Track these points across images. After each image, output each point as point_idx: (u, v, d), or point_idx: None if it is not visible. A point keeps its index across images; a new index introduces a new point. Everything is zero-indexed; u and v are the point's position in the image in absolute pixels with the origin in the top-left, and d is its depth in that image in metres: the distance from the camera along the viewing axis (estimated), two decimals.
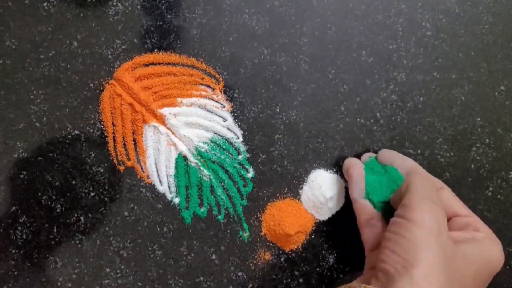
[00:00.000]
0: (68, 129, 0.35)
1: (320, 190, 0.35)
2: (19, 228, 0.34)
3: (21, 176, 0.34)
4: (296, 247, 0.35)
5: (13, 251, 0.34)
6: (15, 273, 0.34)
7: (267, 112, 0.36)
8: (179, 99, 0.35)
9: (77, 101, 0.35)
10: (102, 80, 0.35)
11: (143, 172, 0.35)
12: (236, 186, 0.35)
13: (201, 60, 0.36)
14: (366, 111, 0.36)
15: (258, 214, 0.35)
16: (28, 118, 0.35)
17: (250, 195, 0.35)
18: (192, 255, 0.35)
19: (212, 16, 0.36)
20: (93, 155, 0.35)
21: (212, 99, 0.36)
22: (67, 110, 0.35)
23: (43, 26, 0.35)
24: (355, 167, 0.33)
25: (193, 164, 0.35)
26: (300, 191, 0.36)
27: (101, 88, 0.35)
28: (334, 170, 0.36)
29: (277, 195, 0.36)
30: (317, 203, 0.35)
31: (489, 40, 0.37)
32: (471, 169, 0.36)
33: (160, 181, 0.35)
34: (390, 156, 0.33)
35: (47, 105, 0.35)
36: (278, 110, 0.36)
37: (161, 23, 0.36)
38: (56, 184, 0.34)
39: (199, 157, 0.35)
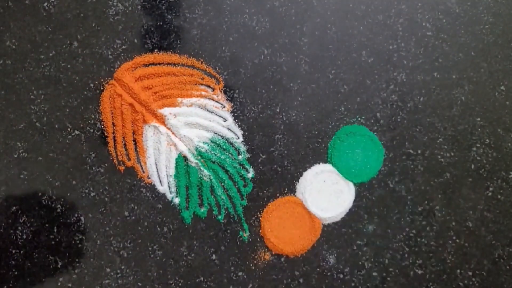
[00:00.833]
0: (68, 129, 0.35)
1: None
2: (19, 228, 0.34)
3: (21, 176, 0.34)
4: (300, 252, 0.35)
5: (13, 251, 0.34)
6: (15, 273, 0.34)
7: (267, 112, 0.36)
8: (179, 99, 0.35)
9: (77, 101, 0.35)
10: (102, 80, 0.35)
11: (143, 172, 0.35)
12: (236, 186, 0.35)
13: (201, 60, 0.36)
14: (366, 111, 0.36)
15: (258, 214, 0.35)
16: (28, 118, 0.35)
17: (250, 195, 0.35)
18: (192, 255, 0.35)
19: (212, 16, 0.36)
20: (93, 155, 0.35)
21: (212, 99, 0.36)
22: (67, 110, 0.35)
23: (43, 26, 0.35)
24: None
25: (193, 164, 0.35)
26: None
27: (102, 88, 0.35)
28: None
29: (277, 195, 0.36)
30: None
31: (489, 40, 0.37)
32: (471, 169, 0.36)
33: (160, 181, 0.35)
34: None
35: (47, 105, 0.35)
36: (278, 110, 0.36)
37: (161, 23, 0.36)
38: (56, 184, 0.34)
39: (199, 157, 0.35)
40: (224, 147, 0.35)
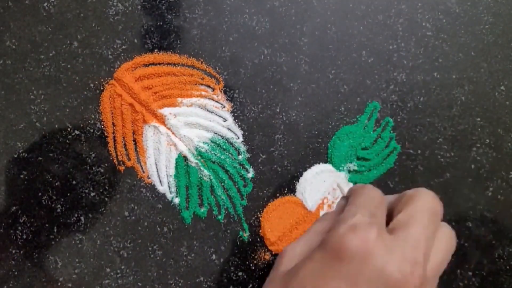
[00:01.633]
0: (68, 129, 0.35)
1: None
2: (19, 228, 0.34)
3: (21, 176, 0.34)
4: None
5: (13, 251, 0.34)
6: (15, 273, 0.34)
7: (267, 112, 0.36)
8: (179, 99, 0.35)
9: (77, 101, 0.35)
10: (102, 80, 0.35)
11: (143, 172, 0.35)
12: (236, 186, 0.35)
13: (201, 60, 0.36)
14: (366, 111, 0.36)
15: (258, 214, 0.35)
16: (28, 118, 0.35)
17: (250, 195, 0.35)
18: (192, 255, 0.35)
19: (212, 16, 0.36)
20: (93, 155, 0.35)
21: (212, 99, 0.36)
22: (67, 110, 0.35)
23: (43, 26, 0.35)
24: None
25: (193, 164, 0.35)
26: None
27: (101, 88, 0.35)
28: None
29: (277, 195, 0.36)
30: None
31: (489, 40, 0.37)
32: (471, 169, 0.36)
33: (160, 181, 0.35)
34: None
35: (47, 105, 0.35)
36: (278, 110, 0.36)
37: (161, 23, 0.36)
38: (56, 184, 0.34)
39: (199, 157, 0.35)
40: (224, 147, 0.35)
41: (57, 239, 0.34)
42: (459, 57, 0.36)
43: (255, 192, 0.36)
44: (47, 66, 0.35)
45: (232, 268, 0.35)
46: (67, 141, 0.35)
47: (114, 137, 0.35)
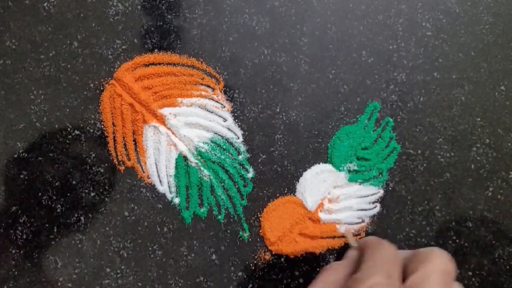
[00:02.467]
0: (68, 129, 0.35)
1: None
2: (19, 228, 0.34)
3: (21, 176, 0.34)
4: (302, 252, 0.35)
5: (13, 251, 0.34)
6: (15, 273, 0.34)
7: (267, 112, 0.36)
8: (179, 99, 0.35)
9: (77, 101, 0.35)
10: (102, 80, 0.35)
11: (143, 172, 0.35)
12: (236, 186, 0.35)
13: (201, 60, 0.36)
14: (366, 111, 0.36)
15: (258, 214, 0.35)
16: (28, 118, 0.35)
17: (250, 195, 0.35)
18: (192, 255, 0.35)
19: (212, 16, 0.36)
20: (93, 155, 0.35)
21: (212, 99, 0.36)
22: (67, 110, 0.35)
23: (43, 26, 0.35)
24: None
25: (193, 164, 0.35)
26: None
27: (101, 88, 0.35)
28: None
29: (277, 195, 0.36)
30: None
31: (489, 40, 0.37)
32: (471, 169, 0.36)
33: (160, 181, 0.35)
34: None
35: (47, 105, 0.35)
36: (278, 110, 0.36)
37: (161, 23, 0.36)
38: (56, 184, 0.34)
39: (199, 157, 0.35)
40: (224, 147, 0.35)
41: (57, 239, 0.34)
42: (459, 57, 0.36)
43: (255, 192, 0.36)
44: (47, 66, 0.35)
45: (232, 268, 0.35)
46: (67, 141, 0.35)
47: (114, 137, 0.35)
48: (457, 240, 0.36)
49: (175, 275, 0.35)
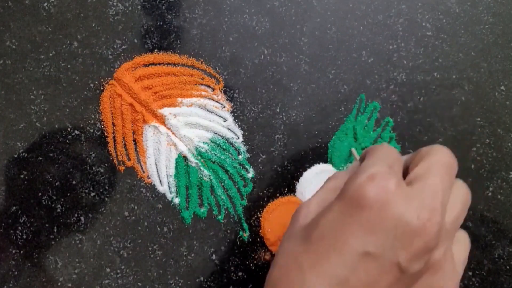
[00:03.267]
0: (68, 129, 0.35)
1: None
2: (19, 228, 0.34)
3: (21, 176, 0.34)
4: None
5: (13, 251, 0.34)
6: (15, 273, 0.34)
7: (267, 112, 0.36)
8: (179, 99, 0.35)
9: (77, 101, 0.35)
10: (102, 80, 0.35)
11: (143, 172, 0.35)
12: (236, 186, 0.35)
13: (201, 60, 0.36)
14: (366, 112, 0.36)
15: (258, 214, 0.35)
16: (28, 118, 0.35)
17: (250, 195, 0.35)
18: (192, 255, 0.35)
19: (212, 16, 0.36)
20: (93, 155, 0.35)
21: (212, 99, 0.36)
22: (67, 110, 0.35)
23: (43, 26, 0.35)
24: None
25: (193, 164, 0.35)
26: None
27: (101, 88, 0.35)
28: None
29: (277, 195, 0.36)
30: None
31: (489, 40, 0.37)
32: (471, 169, 0.36)
33: (160, 181, 0.35)
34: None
35: (47, 105, 0.35)
36: (278, 110, 0.36)
37: (161, 23, 0.36)
38: (56, 184, 0.34)
39: (199, 157, 0.35)
40: (224, 147, 0.35)
41: (57, 239, 0.34)
42: (459, 57, 0.36)
43: (255, 192, 0.36)
44: (47, 66, 0.35)
45: (232, 268, 0.35)
46: (67, 141, 0.35)
47: (114, 137, 0.35)
48: None
49: (175, 275, 0.35)
